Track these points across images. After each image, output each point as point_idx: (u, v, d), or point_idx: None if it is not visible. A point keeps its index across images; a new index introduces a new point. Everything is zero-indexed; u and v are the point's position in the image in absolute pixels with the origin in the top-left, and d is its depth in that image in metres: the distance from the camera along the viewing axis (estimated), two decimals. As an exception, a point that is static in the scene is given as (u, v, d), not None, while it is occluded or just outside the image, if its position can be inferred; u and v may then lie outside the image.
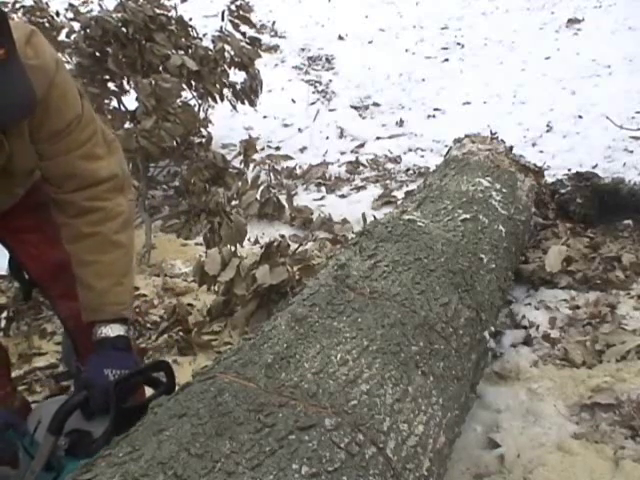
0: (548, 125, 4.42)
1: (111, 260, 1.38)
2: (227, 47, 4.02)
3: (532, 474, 1.69)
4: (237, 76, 4.27)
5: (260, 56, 4.40)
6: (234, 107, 4.25)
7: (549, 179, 3.21)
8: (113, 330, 1.37)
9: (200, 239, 3.33)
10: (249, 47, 4.14)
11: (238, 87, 4.15)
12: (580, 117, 4.44)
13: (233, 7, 4.10)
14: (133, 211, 1.49)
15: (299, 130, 4.96)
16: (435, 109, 5.09)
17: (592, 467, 1.68)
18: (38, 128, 1.29)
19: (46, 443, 1.26)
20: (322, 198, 3.94)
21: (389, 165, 4.29)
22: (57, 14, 4.14)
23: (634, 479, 1.63)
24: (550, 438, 1.81)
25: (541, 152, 3.99)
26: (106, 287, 1.37)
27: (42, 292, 1.71)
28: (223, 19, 4.09)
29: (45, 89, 1.24)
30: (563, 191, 3.09)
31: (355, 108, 5.34)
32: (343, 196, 3.95)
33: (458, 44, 6.34)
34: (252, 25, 4.25)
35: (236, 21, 4.10)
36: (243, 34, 4.18)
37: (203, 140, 4.11)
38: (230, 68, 4.09)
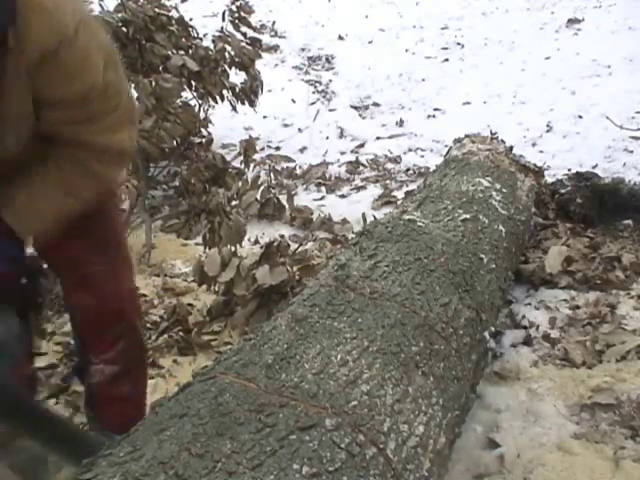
0: (548, 125, 4.42)
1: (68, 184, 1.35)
2: (227, 47, 4.02)
3: (532, 474, 1.69)
4: (238, 76, 4.27)
5: (261, 57, 4.40)
6: (234, 108, 4.25)
7: (549, 179, 3.22)
8: None
9: (200, 239, 3.33)
10: (249, 47, 4.14)
11: (238, 88, 4.15)
12: (580, 117, 4.44)
13: (234, 7, 4.10)
14: (123, 186, 1.46)
15: (299, 130, 4.96)
16: (435, 109, 5.09)
17: (592, 467, 1.68)
18: (48, 88, 1.24)
19: None
20: (322, 198, 3.94)
21: (389, 165, 4.30)
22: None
23: (634, 479, 1.63)
24: (550, 438, 1.81)
25: (541, 152, 4.00)
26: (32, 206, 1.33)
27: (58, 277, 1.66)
28: (224, 19, 4.09)
29: (47, 38, 1.18)
30: (563, 191, 3.09)
31: (355, 108, 5.34)
32: (343, 196, 3.95)
33: (458, 44, 6.34)
34: (251, 27, 4.25)
35: (236, 22, 4.10)
36: (244, 34, 4.18)
37: (203, 140, 4.12)
38: (230, 68, 4.09)
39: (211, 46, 3.97)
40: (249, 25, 4.20)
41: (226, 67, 4.04)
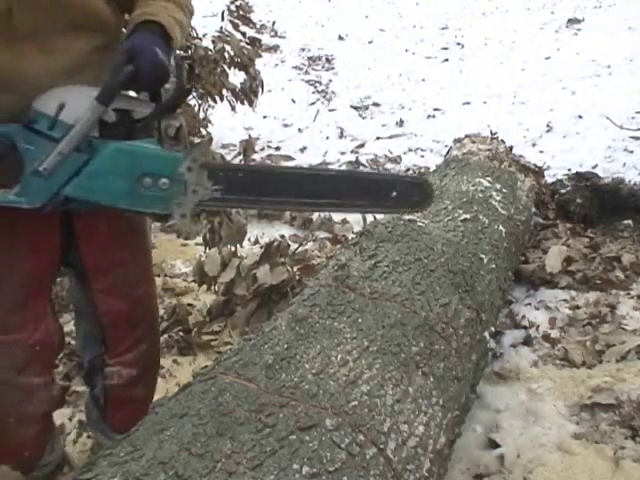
0: (548, 125, 4.42)
1: None
2: (227, 47, 4.02)
3: (532, 474, 1.69)
4: (237, 77, 4.27)
5: (260, 56, 4.40)
6: (233, 108, 4.25)
7: (549, 179, 3.22)
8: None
9: (200, 239, 3.32)
10: (249, 47, 4.14)
11: (238, 88, 4.15)
12: (580, 117, 4.45)
13: (233, 7, 4.10)
14: None
15: (299, 130, 4.96)
16: (435, 109, 5.09)
17: (592, 467, 1.68)
18: None
19: (92, 112, 1.14)
20: (322, 198, 3.94)
21: (389, 165, 4.30)
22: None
23: (634, 479, 1.63)
24: (550, 438, 1.81)
25: (541, 152, 4.00)
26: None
27: (84, 280, 1.58)
28: (223, 19, 4.09)
29: None
30: (563, 191, 3.09)
31: (355, 108, 5.35)
32: (343, 196, 3.94)
33: (458, 44, 6.35)
34: (252, 25, 4.24)
35: (236, 21, 4.10)
36: (243, 34, 4.18)
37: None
38: (230, 68, 4.09)
39: (211, 46, 3.97)
40: (249, 23, 4.20)
41: (225, 67, 4.03)
